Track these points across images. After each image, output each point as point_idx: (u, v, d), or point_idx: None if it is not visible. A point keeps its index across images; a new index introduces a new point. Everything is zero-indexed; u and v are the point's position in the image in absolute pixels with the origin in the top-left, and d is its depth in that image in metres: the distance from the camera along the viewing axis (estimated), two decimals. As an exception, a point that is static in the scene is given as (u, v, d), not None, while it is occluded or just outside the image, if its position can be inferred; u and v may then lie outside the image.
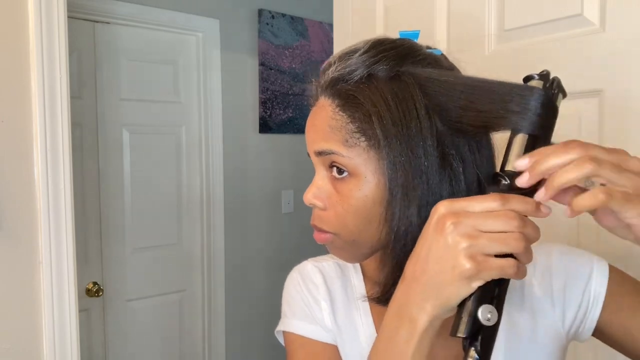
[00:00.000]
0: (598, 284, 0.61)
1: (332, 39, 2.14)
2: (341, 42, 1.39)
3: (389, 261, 0.56)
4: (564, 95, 0.50)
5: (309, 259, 0.72)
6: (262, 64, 2.61)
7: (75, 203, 1.45)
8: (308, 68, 2.76)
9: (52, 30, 1.35)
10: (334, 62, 0.58)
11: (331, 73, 0.58)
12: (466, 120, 0.51)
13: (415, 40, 0.60)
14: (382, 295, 0.58)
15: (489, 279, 0.43)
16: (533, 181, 0.43)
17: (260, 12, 2.60)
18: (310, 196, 0.59)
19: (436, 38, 1.17)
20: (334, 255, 0.63)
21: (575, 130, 0.89)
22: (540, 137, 0.47)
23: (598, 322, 0.61)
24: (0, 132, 1.30)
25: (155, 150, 2.34)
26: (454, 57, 0.61)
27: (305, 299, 0.67)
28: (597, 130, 0.87)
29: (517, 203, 0.43)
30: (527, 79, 0.50)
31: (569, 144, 0.42)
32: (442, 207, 0.44)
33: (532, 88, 0.48)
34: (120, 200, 2.25)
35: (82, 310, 1.82)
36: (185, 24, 2.37)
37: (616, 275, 0.62)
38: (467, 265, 0.42)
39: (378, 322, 0.64)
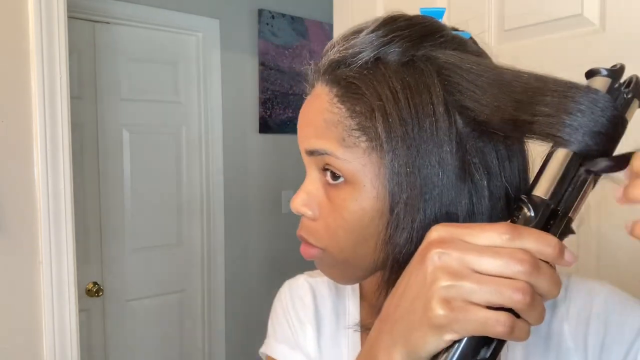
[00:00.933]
0: None
1: (332, 39, 2.13)
2: (341, 42, 1.39)
3: (385, 290, 0.45)
4: None
5: (305, 273, 0.63)
6: (262, 64, 2.61)
7: (75, 203, 1.45)
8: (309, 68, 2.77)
9: (52, 30, 1.35)
10: (337, 43, 0.48)
11: (332, 55, 0.48)
12: (494, 122, 0.40)
13: (439, 20, 0.49)
14: None
15: (465, 334, 0.33)
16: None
17: (260, 12, 2.60)
18: (298, 203, 0.49)
19: (436, 38, 1.17)
20: (323, 273, 0.53)
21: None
22: (591, 158, 0.35)
23: None
24: (0, 132, 1.30)
25: (155, 150, 2.34)
26: (484, 43, 0.50)
27: (290, 320, 0.59)
28: (597, 130, 0.87)
29: (533, 241, 0.33)
30: (591, 73, 0.37)
31: None
32: (434, 232, 0.36)
33: (592, 90, 0.35)
34: (120, 200, 2.25)
35: (82, 310, 1.82)
36: (185, 24, 2.37)
37: None
38: (438, 310, 0.33)
39: None
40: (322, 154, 0.46)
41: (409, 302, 0.36)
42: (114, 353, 2.27)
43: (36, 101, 1.34)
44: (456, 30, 0.49)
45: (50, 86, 1.36)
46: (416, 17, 0.48)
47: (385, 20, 0.47)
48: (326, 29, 2.84)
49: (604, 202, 0.87)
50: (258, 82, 2.61)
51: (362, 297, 0.58)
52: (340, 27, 1.40)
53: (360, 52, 0.45)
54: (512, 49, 1.00)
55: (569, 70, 0.99)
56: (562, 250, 0.33)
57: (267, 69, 2.64)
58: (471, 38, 0.49)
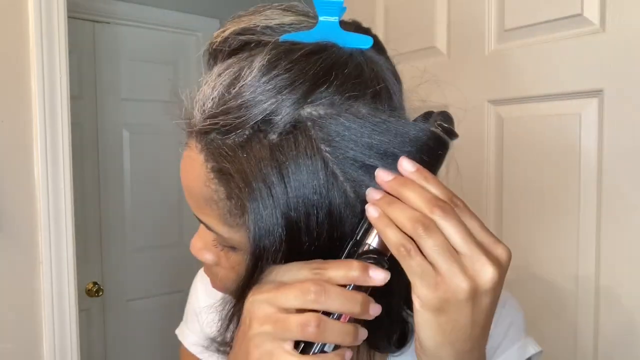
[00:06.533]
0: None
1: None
2: (341, 42, 1.39)
3: None
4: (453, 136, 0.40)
5: None
6: (262, 64, 2.61)
7: (75, 203, 1.45)
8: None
9: (52, 30, 1.35)
10: (212, 79, 0.41)
11: (205, 111, 0.40)
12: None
13: (335, 43, 0.40)
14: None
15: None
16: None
17: (260, 12, 2.60)
18: (196, 249, 0.47)
19: (436, 38, 1.17)
20: None
21: (575, 130, 0.88)
22: None
23: None
24: (0, 132, 1.30)
25: (155, 150, 2.34)
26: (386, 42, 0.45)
27: (199, 314, 0.56)
28: (596, 130, 0.87)
29: (333, 269, 0.37)
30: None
31: None
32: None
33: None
34: (120, 200, 2.25)
35: (82, 310, 1.82)
36: (185, 24, 2.37)
37: None
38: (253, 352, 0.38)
39: None
40: (209, 227, 0.43)
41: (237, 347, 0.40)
42: (114, 353, 2.27)
43: (36, 101, 1.34)
44: (359, 25, 0.44)
45: (50, 86, 1.35)
46: (307, 52, 0.39)
47: (270, 64, 0.38)
48: (326, 29, 2.84)
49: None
50: (258, 82, 2.62)
51: None
52: (340, 27, 1.40)
53: (236, 120, 0.38)
54: (512, 49, 1.00)
55: (569, 70, 1.00)
56: (364, 269, 0.37)
57: (267, 69, 2.63)
58: (375, 44, 0.43)
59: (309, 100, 0.37)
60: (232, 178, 0.38)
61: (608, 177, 0.85)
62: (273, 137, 0.37)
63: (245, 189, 0.37)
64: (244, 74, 0.38)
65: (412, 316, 0.39)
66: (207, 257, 0.47)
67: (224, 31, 0.42)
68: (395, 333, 0.47)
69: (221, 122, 0.38)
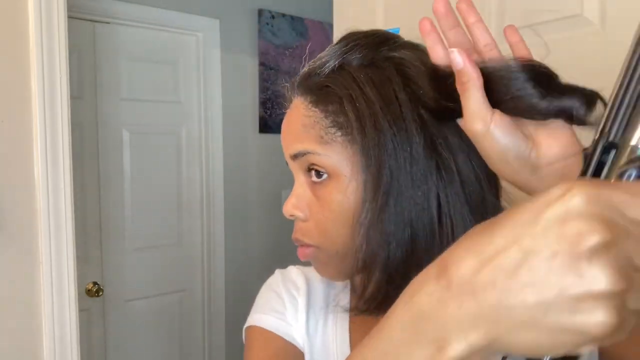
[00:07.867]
0: None
1: (332, 39, 2.13)
2: (341, 42, 1.39)
3: (374, 275, 0.48)
4: None
5: (296, 265, 0.66)
6: (262, 64, 2.61)
7: (75, 203, 1.45)
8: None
9: (52, 30, 1.35)
10: (308, 64, 0.54)
11: (303, 70, 0.54)
12: (452, 110, 0.45)
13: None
14: (366, 308, 0.51)
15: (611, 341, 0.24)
16: None
17: (260, 12, 2.60)
18: (289, 207, 0.53)
19: (436, 38, 1.17)
20: (319, 273, 0.56)
21: (575, 130, 0.88)
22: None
23: None
24: (0, 132, 1.30)
25: (155, 150, 2.34)
26: None
27: (280, 296, 0.60)
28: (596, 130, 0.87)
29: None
30: None
31: None
32: (581, 201, 0.24)
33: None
34: (120, 200, 2.25)
35: (82, 310, 1.82)
36: (185, 24, 2.37)
37: None
38: (611, 319, 0.23)
39: (355, 339, 0.57)
40: (305, 154, 0.51)
41: (531, 291, 0.25)
42: (114, 353, 2.27)
43: (36, 101, 1.34)
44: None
45: (50, 86, 1.36)
46: (372, 30, 0.54)
47: (345, 36, 0.53)
48: (326, 29, 2.84)
49: None
50: (258, 82, 2.61)
51: (352, 289, 0.59)
52: (340, 27, 1.40)
53: (326, 62, 0.51)
54: (512, 49, 1.00)
55: (569, 70, 0.99)
56: None
57: (267, 69, 2.64)
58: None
59: (380, 48, 0.50)
60: (329, 89, 0.50)
61: (608, 177, 0.85)
62: (357, 66, 0.50)
63: (342, 91, 0.49)
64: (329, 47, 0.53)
65: None
66: (299, 213, 0.52)
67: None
68: None
69: (317, 65, 0.52)
